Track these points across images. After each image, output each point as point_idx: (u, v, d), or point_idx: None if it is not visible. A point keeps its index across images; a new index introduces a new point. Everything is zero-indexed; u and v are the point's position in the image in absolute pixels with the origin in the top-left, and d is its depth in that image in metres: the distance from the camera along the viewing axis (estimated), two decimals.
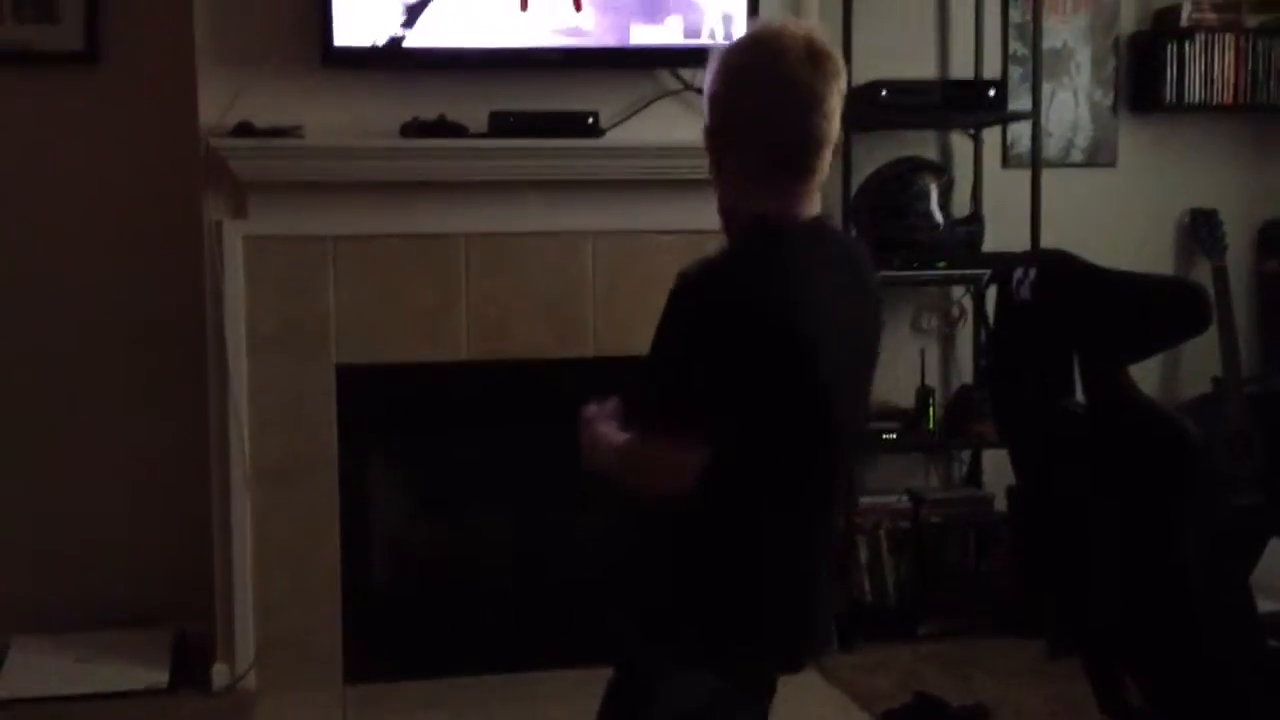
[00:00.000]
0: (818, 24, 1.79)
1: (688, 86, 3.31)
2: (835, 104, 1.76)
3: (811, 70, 1.74)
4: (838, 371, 1.76)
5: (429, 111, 3.19)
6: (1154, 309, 1.82)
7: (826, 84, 1.75)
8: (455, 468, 3.42)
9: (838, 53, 1.78)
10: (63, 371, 3.50)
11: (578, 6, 3.23)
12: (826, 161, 1.79)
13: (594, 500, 3.36)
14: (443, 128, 3.19)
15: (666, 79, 3.33)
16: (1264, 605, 2.37)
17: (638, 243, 3.33)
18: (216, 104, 3.13)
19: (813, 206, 1.81)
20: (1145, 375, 3.25)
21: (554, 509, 3.41)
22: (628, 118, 3.31)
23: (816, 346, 1.72)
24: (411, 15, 3.15)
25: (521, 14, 3.20)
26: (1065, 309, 1.94)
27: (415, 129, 3.19)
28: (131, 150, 3.45)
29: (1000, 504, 3.76)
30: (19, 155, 3.45)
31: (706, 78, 1.82)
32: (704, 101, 1.82)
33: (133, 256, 3.47)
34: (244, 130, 3.10)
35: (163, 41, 3.33)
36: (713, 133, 1.81)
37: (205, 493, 3.26)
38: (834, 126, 1.77)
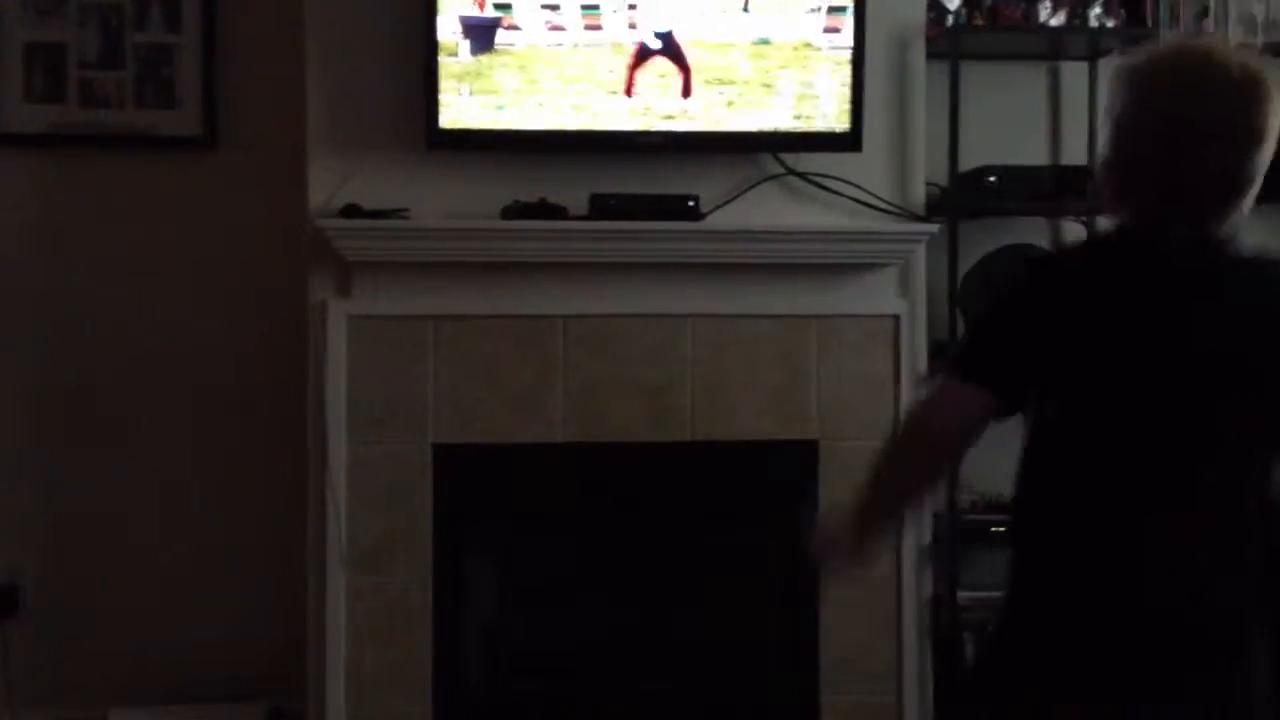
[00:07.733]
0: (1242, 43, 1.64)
1: (790, 171, 3.30)
2: (1273, 137, 1.56)
3: (1245, 98, 1.53)
4: (1128, 379, 1.60)
5: (530, 194, 3.22)
6: None
7: (1262, 115, 1.53)
8: (551, 556, 3.37)
9: (1273, 77, 1.56)
10: (164, 441, 3.55)
11: (686, 93, 3.23)
12: (1248, 203, 1.59)
13: (696, 593, 3.31)
14: (543, 209, 3.21)
15: (769, 163, 3.32)
16: None
17: (737, 327, 3.30)
18: (325, 187, 3.19)
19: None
20: None
21: (652, 603, 3.35)
22: (729, 201, 3.30)
23: (1082, 341, 1.59)
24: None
25: (627, 99, 3.22)
26: None
27: (516, 211, 3.21)
28: (243, 231, 3.53)
29: None
30: (138, 233, 3.55)
31: (1109, 97, 1.63)
32: (1103, 125, 1.63)
33: (240, 334, 3.54)
34: (351, 211, 3.16)
35: (275, 127, 3.42)
36: (1112, 164, 1.61)
37: (302, 570, 3.27)
38: (1261, 165, 1.57)
